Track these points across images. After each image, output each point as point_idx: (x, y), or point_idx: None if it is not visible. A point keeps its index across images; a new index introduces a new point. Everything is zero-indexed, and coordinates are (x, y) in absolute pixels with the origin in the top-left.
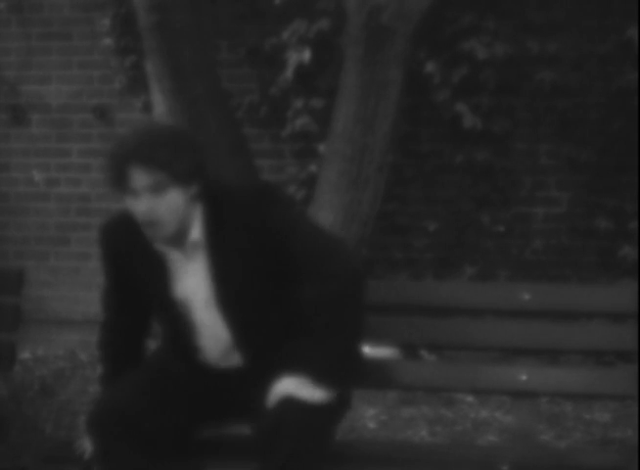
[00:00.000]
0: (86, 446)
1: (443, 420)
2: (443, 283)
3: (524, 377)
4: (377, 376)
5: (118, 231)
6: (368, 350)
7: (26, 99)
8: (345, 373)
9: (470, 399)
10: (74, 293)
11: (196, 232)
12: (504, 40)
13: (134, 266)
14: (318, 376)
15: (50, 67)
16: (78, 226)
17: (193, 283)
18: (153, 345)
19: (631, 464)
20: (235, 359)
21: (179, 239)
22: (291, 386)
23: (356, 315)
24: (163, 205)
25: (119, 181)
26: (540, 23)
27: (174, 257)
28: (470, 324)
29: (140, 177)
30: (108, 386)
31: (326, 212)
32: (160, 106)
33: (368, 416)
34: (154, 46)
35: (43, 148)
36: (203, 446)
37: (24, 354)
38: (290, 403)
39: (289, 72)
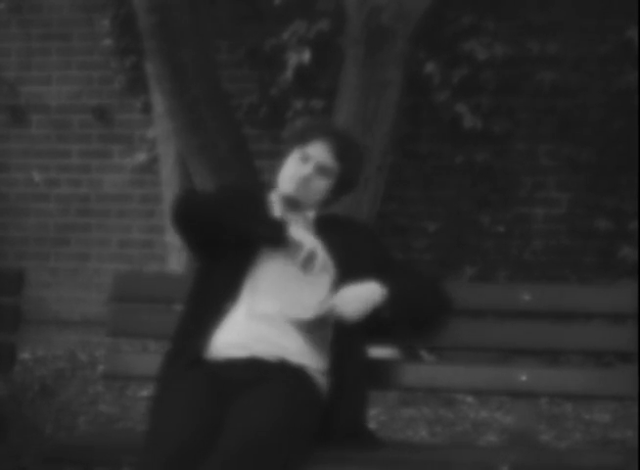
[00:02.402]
0: None
1: (443, 421)
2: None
3: (523, 377)
4: (377, 376)
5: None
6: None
7: (26, 100)
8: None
9: (470, 399)
10: (74, 293)
11: (311, 214)
12: (504, 41)
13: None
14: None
15: (50, 67)
16: (78, 227)
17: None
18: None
19: (631, 465)
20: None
21: (299, 210)
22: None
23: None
24: (317, 184)
25: (304, 140)
26: (540, 24)
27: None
28: (470, 325)
29: (324, 154)
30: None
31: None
32: (160, 106)
33: (368, 417)
34: (153, 47)
35: (43, 148)
36: None
37: (24, 355)
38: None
39: (289, 73)
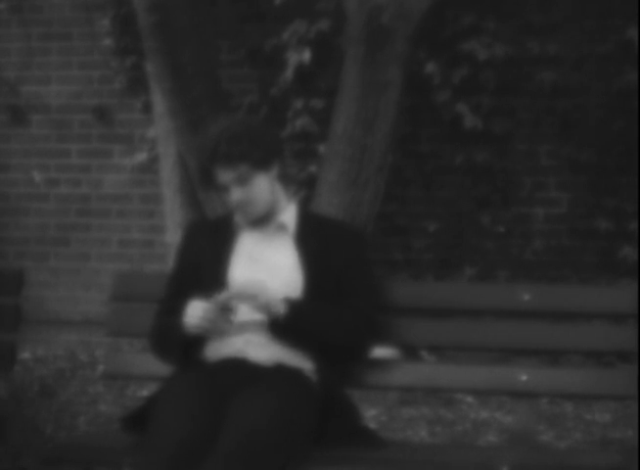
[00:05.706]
0: None
1: (443, 421)
2: (443, 284)
3: (523, 377)
4: (377, 376)
5: (199, 226)
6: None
7: (26, 99)
8: (307, 344)
9: (470, 399)
10: (74, 293)
11: (287, 217)
12: (504, 41)
13: (204, 257)
14: (297, 318)
15: (50, 67)
16: (78, 227)
17: (274, 262)
18: None
19: (631, 465)
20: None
21: (267, 219)
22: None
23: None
24: (252, 191)
25: (210, 182)
26: (540, 24)
27: (253, 240)
28: (470, 325)
29: (224, 174)
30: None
31: (326, 213)
32: (160, 106)
33: (368, 417)
34: (154, 46)
35: (43, 148)
36: None
37: (24, 355)
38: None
39: (289, 73)
